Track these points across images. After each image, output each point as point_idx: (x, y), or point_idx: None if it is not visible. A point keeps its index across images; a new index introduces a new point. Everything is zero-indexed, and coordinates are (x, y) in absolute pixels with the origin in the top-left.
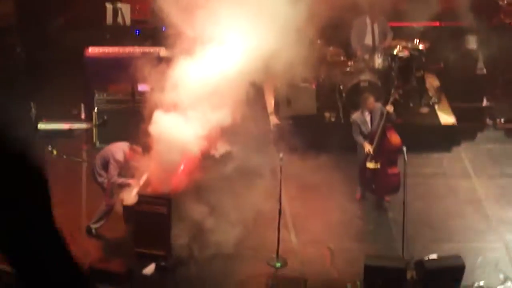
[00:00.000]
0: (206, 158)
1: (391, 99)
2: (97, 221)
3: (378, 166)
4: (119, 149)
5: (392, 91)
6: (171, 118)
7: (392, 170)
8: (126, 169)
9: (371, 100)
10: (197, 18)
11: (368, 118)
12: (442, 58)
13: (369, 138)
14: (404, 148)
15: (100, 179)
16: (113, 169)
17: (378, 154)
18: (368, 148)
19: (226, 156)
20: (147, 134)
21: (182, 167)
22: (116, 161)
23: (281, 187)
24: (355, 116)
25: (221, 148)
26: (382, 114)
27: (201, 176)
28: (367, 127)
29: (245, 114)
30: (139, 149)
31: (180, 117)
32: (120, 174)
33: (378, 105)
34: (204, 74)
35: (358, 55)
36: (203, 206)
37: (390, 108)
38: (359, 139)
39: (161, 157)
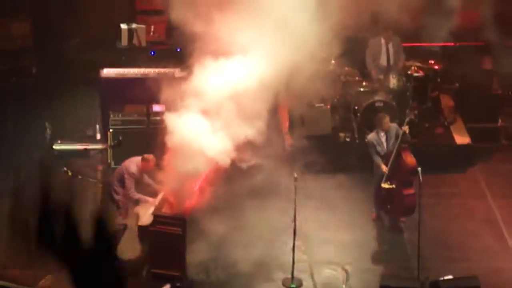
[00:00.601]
0: (230, 171)
1: (407, 119)
2: None
3: (393, 186)
4: (132, 163)
5: (408, 111)
6: (191, 124)
7: (408, 191)
8: (142, 185)
9: (386, 120)
10: (217, 30)
11: (383, 138)
12: (457, 78)
13: (385, 158)
14: (419, 169)
15: (116, 197)
16: (129, 183)
17: (393, 175)
18: (383, 168)
19: (253, 168)
20: (162, 149)
21: (198, 184)
22: (130, 174)
23: (295, 206)
24: (371, 136)
25: (249, 160)
26: (397, 134)
27: (214, 194)
28: (383, 148)
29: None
30: (151, 156)
31: (201, 125)
32: (136, 189)
33: (394, 125)
34: (223, 86)
35: (373, 75)
36: (217, 227)
37: (406, 128)
38: (377, 159)
39: (178, 172)
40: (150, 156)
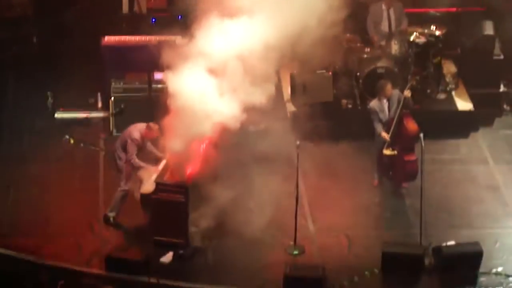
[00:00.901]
0: (236, 134)
1: (409, 84)
2: (113, 209)
3: (395, 153)
4: (135, 129)
5: (409, 77)
6: (194, 85)
7: (409, 157)
8: (145, 152)
9: (388, 87)
10: None
11: (385, 105)
12: (459, 44)
13: (386, 125)
14: (422, 135)
15: (120, 163)
16: (131, 148)
17: (395, 141)
18: (384, 135)
19: (261, 132)
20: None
21: (202, 149)
22: (133, 140)
23: (298, 174)
24: (373, 103)
25: (258, 123)
26: (399, 100)
27: (218, 161)
28: (385, 115)
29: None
30: (156, 126)
31: (205, 86)
32: (138, 157)
33: (396, 91)
34: (227, 48)
35: (375, 41)
36: (220, 194)
37: (407, 93)
38: (378, 127)
39: (180, 137)
40: (155, 125)
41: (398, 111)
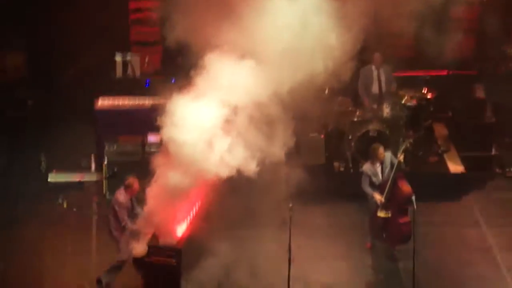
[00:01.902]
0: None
1: (403, 147)
2: (107, 274)
3: (389, 215)
4: (118, 193)
5: (401, 140)
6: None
7: (404, 219)
8: (134, 215)
9: (381, 150)
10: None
11: (378, 169)
12: (450, 107)
13: (380, 188)
14: (413, 197)
15: (115, 233)
16: (121, 213)
17: (389, 203)
18: (378, 198)
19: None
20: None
21: (194, 209)
22: (120, 204)
23: (290, 236)
24: (366, 167)
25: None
26: (392, 163)
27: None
28: (378, 178)
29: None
30: (132, 179)
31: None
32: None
33: (388, 154)
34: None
35: (366, 104)
36: (212, 259)
37: (401, 157)
38: (368, 190)
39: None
40: (130, 179)
41: (392, 173)
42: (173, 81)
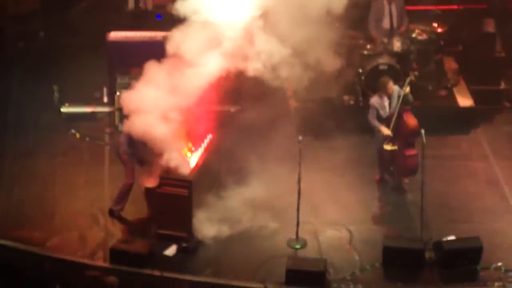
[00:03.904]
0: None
1: (408, 80)
2: (118, 203)
3: (395, 148)
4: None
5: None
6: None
7: (410, 152)
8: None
9: (390, 84)
10: None
11: (386, 102)
12: (460, 41)
13: (386, 121)
14: (423, 131)
15: (123, 157)
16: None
17: (395, 137)
18: (385, 131)
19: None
20: None
21: (205, 142)
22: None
23: (300, 169)
24: (374, 100)
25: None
26: (399, 96)
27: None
28: (385, 111)
29: (265, 98)
30: None
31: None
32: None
33: (395, 87)
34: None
35: (376, 38)
36: (223, 186)
37: (407, 89)
38: (375, 123)
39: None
40: None
41: (398, 106)
42: (158, 17)
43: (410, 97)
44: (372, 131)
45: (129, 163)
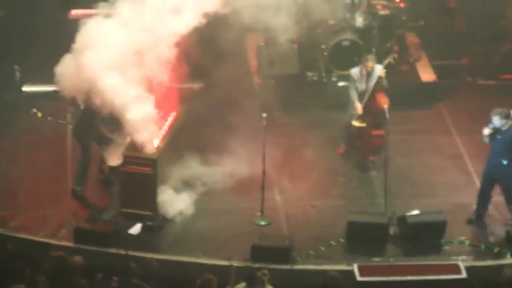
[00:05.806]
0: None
1: (385, 62)
2: (78, 183)
3: (364, 125)
4: None
5: (388, 55)
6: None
7: (377, 132)
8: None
9: (370, 63)
10: None
11: (364, 77)
12: (422, 16)
13: (360, 96)
14: (385, 106)
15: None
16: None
17: (365, 114)
18: (357, 106)
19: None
20: None
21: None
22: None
23: (264, 146)
24: (353, 71)
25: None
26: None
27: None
28: (361, 85)
29: (228, 73)
30: None
31: None
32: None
33: (378, 66)
34: None
35: (339, 13)
36: (188, 164)
37: (383, 73)
38: (352, 94)
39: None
40: None
41: (373, 86)
42: None
43: (385, 82)
44: (335, 107)
45: (84, 140)
